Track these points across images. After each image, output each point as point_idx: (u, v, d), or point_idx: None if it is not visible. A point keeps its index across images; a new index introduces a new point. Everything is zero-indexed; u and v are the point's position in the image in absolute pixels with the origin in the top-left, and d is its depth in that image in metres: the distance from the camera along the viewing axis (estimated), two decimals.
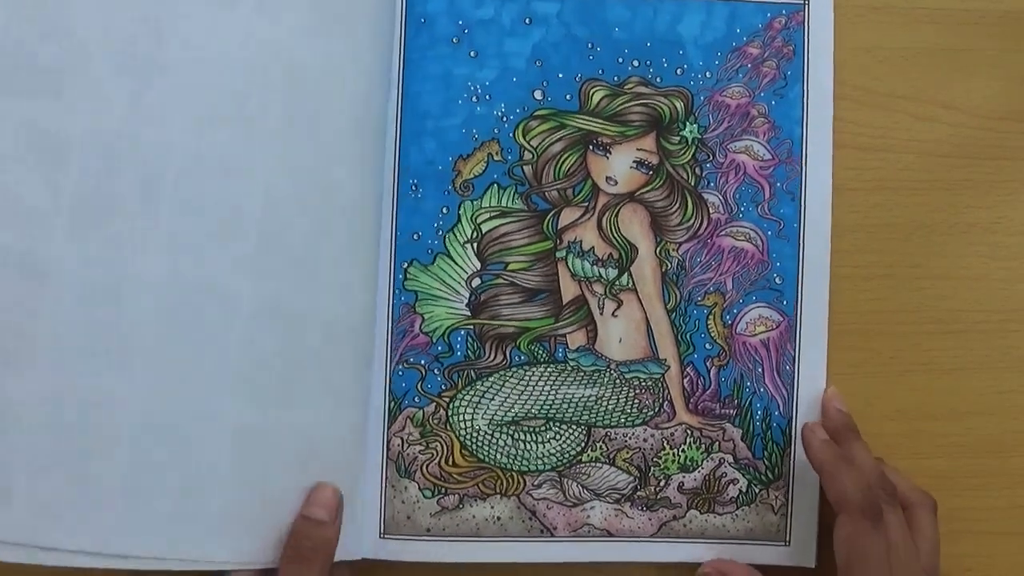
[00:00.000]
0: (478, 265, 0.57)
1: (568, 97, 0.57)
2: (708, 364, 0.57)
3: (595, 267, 0.57)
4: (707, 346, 0.57)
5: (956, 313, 0.59)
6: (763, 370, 0.57)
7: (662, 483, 0.57)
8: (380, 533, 0.56)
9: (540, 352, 0.57)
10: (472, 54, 0.57)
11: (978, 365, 0.59)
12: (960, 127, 0.59)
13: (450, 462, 0.57)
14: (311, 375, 0.51)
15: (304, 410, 0.51)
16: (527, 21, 0.57)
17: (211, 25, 0.50)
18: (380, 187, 0.56)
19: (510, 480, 0.57)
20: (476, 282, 0.57)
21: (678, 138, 0.57)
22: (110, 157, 0.48)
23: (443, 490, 0.57)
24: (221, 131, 0.49)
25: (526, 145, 0.57)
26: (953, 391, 0.59)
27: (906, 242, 0.59)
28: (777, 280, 0.57)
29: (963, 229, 0.59)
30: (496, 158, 0.57)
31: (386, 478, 0.56)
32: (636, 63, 0.57)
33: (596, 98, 0.57)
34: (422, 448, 0.56)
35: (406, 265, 0.56)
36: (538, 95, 0.57)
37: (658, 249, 0.57)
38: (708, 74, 0.57)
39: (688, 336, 0.57)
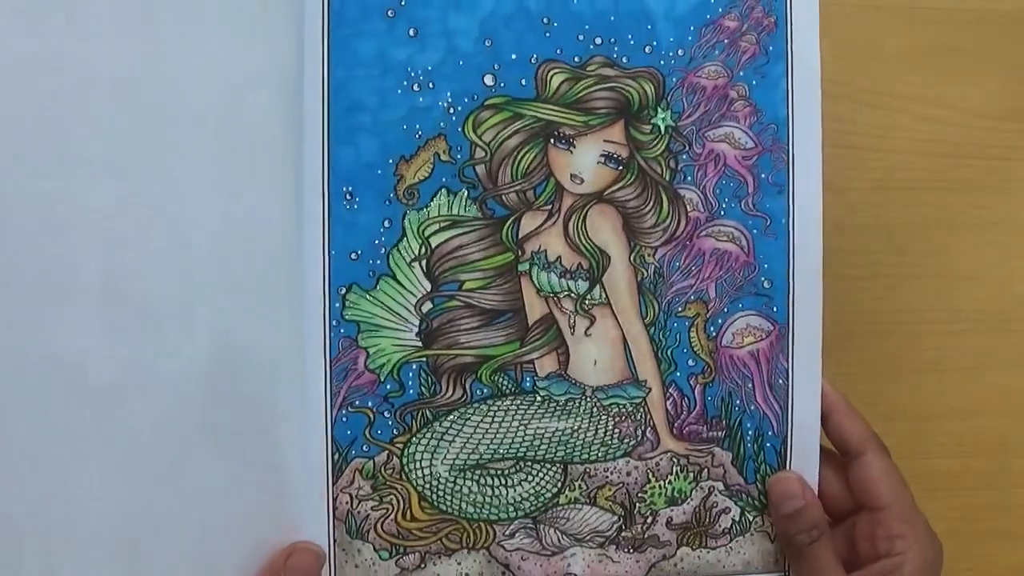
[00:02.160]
0: (428, 287, 0.48)
1: (523, 83, 0.48)
2: (692, 382, 0.50)
3: (563, 280, 0.49)
4: (690, 362, 0.50)
5: (956, 313, 0.59)
6: (753, 386, 0.51)
7: (649, 520, 0.50)
8: None
9: (505, 383, 0.49)
10: (411, 32, 0.47)
11: (978, 365, 0.59)
12: (960, 127, 0.59)
13: (408, 516, 0.48)
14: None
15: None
16: None
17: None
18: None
19: (478, 532, 0.49)
20: (427, 306, 0.48)
21: (649, 127, 0.50)
22: None
23: (401, 549, 0.48)
24: None
25: (478, 141, 0.48)
26: (954, 391, 0.59)
27: (906, 242, 0.58)
28: (765, 284, 0.50)
29: (963, 229, 0.59)
30: (444, 158, 0.48)
31: (335, 540, 0.47)
32: (599, 41, 0.49)
33: (555, 82, 0.49)
34: (375, 504, 0.48)
35: (344, 291, 0.47)
36: (489, 80, 0.48)
37: (632, 255, 0.50)
38: (680, 52, 0.50)
39: (669, 352, 0.50)
